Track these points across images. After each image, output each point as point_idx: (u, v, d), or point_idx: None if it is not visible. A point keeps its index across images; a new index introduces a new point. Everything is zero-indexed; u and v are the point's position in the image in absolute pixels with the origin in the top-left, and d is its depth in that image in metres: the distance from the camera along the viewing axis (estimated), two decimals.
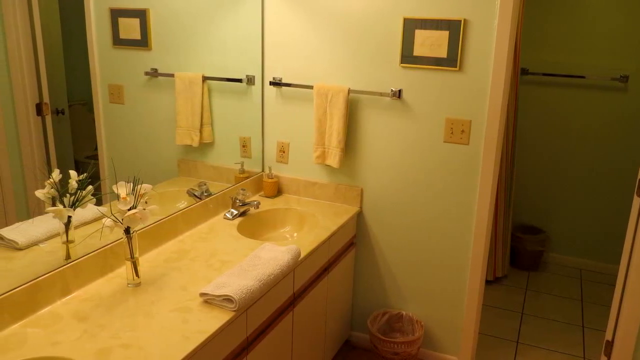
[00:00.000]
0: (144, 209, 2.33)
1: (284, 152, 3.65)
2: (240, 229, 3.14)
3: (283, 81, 3.51)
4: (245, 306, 2.28)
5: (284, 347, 2.80)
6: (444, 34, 3.06)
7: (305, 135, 3.56)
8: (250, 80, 3.50)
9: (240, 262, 2.57)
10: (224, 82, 3.31)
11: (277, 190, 3.69)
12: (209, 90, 3.15)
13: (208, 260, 2.70)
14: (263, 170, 3.76)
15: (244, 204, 3.30)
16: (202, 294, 2.28)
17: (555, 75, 4.85)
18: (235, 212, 3.27)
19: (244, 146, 3.55)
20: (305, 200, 3.61)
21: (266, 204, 3.51)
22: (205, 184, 3.20)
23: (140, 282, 2.42)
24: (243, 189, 3.31)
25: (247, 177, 3.58)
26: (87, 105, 2.38)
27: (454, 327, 3.50)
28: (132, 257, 2.37)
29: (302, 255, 2.79)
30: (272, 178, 3.62)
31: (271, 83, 3.53)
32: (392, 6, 3.15)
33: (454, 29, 3.03)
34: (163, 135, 2.88)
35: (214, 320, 2.16)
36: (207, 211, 3.20)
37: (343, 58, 3.34)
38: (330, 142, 3.39)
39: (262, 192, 3.70)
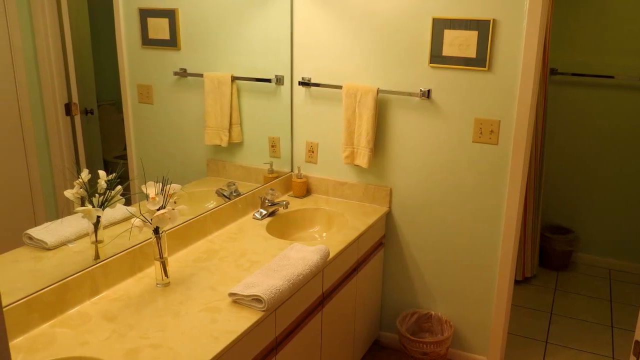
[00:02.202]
0: (173, 209, 2.27)
1: (313, 152, 3.58)
2: (269, 229, 3.07)
3: (312, 81, 3.43)
4: (274, 306, 2.20)
5: (313, 347, 2.72)
6: (473, 34, 2.97)
7: (334, 135, 3.48)
8: (279, 80, 3.42)
9: (269, 262, 2.50)
10: (253, 82, 3.24)
11: (306, 190, 3.61)
12: (238, 90, 3.08)
13: (237, 260, 2.63)
14: (292, 170, 3.68)
15: (273, 204, 3.23)
16: (231, 294, 2.21)
17: (584, 75, 4.70)
18: (264, 212, 3.20)
19: (273, 146, 3.49)
20: (334, 200, 3.53)
21: (295, 204, 3.44)
22: (234, 184, 3.13)
23: (169, 282, 2.36)
24: (272, 189, 3.24)
25: (276, 177, 3.51)
26: (116, 105, 2.33)
27: (483, 327, 3.40)
28: (161, 257, 2.31)
29: (331, 255, 2.71)
30: (301, 178, 3.55)
31: (300, 83, 3.45)
32: (420, 6, 3.05)
33: (483, 29, 2.93)
34: (192, 135, 2.82)
35: (243, 320, 2.09)
36: (236, 211, 3.13)
37: (372, 58, 3.25)
38: (359, 142, 3.30)
39: (291, 192, 3.63)
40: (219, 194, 3.05)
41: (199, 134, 2.87)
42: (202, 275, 2.45)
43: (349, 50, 3.29)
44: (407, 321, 3.46)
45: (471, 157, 3.15)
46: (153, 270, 2.45)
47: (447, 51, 3.05)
